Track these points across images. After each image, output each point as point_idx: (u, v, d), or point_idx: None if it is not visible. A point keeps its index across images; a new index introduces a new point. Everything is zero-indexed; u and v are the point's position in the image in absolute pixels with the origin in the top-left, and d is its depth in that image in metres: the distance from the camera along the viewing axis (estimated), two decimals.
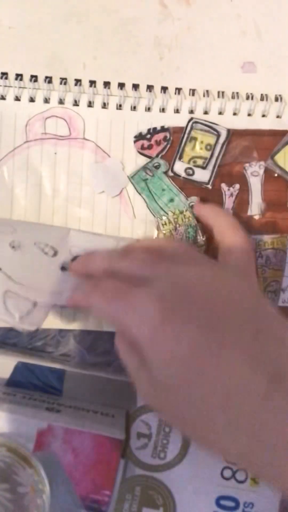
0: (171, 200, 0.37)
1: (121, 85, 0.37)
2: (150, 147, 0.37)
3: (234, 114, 0.37)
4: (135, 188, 0.37)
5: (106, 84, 0.37)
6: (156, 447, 0.35)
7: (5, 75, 0.37)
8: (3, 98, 0.37)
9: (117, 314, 0.25)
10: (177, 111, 0.37)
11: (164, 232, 0.37)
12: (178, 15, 0.38)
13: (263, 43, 0.38)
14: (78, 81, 0.37)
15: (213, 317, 0.24)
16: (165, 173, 0.37)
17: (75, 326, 0.37)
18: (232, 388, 0.23)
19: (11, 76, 0.37)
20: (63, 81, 0.37)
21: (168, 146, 0.37)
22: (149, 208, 0.38)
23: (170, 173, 0.37)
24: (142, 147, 0.37)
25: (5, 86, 0.37)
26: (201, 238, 0.37)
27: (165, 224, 0.37)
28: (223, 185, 0.38)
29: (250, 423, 0.22)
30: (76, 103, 0.37)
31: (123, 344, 0.26)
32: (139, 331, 0.24)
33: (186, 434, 0.31)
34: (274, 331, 0.25)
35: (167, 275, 0.25)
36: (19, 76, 0.37)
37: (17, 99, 0.37)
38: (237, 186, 0.38)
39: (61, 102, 0.37)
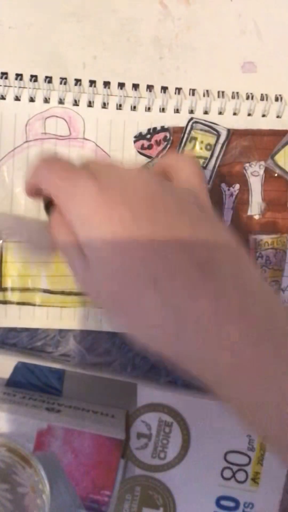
0: None
1: (121, 85, 0.37)
2: (150, 147, 0.37)
3: (234, 114, 0.37)
4: None
5: (106, 84, 0.37)
6: (156, 447, 0.35)
7: (5, 75, 0.37)
8: (3, 98, 0.37)
9: (58, 191, 0.25)
10: (177, 111, 0.37)
11: None
12: (178, 14, 0.38)
13: (263, 43, 0.38)
14: (78, 81, 0.37)
15: (152, 208, 0.23)
16: None
17: (75, 326, 0.37)
18: (167, 280, 0.22)
19: (11, 76, 0.37)
20: (63, 81, 0.37)
21: (168, 146, 0.37)
22: None
23: None
24: (142, 147, 0.37)
25: (5, 86, 0.37)
26: None
27: None
28: (223, 185, 0.38)
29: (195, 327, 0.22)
30: (76, 103, 0.37)
31: (60, 226, 0.25)
32: (76, 209, 0.23)
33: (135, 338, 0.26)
34: (209, 227, 0.24)
35: (110, 171, 0.25)
36: (19, 76, 0.37)
37: (17, 99, 0.37)
38: (237, 186, 0.38)
39: (61, 102, 0.37)
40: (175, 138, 0.37)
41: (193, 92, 0.37)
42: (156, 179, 0.26)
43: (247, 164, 0.38)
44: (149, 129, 0.37)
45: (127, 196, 0.23)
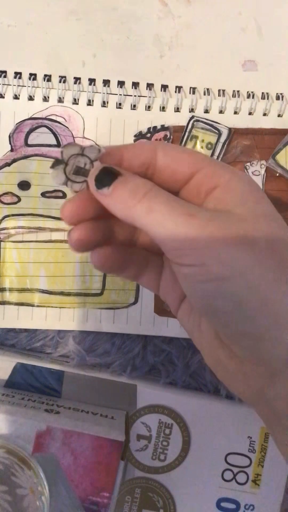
0: None
1: (121, 83, 0.37)
2: None
3: (235, 113, 0.37)
4: None
5: (106, 82, 0.37)
6: (156, 449, 0.35)
7: (3, 73, 0.36)
8: (1, 96, 0.36)
9: None
10: (177, 109, 0.37)
11: None
12: (178, 12, 0.37)
13: (264, 41, 0.38)
14: (77, 79, 0.37)
15: None
16: None
17: (74, 327, 0.37)
18: None
19: (10, 74, 0.36)
20: (62, 79, 0.36)
21: None
22: None
23: None
24: None
25: (4, 84, 0.36)
26: None
27: None
28: None
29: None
30: (75, 102, 0.37)
31: None
32: None
33: None
34: None
35: None
36: (18, 74, 0.36)
37: (16, 97, 0.36)
38: None
39: (60, 100, 0.37)
40: (175, 137, 0.37)
41: (193, 90, 0.37)
42: None
43: (248, 164, 0.37)
44: (149, 128, 0.37)
45: None
